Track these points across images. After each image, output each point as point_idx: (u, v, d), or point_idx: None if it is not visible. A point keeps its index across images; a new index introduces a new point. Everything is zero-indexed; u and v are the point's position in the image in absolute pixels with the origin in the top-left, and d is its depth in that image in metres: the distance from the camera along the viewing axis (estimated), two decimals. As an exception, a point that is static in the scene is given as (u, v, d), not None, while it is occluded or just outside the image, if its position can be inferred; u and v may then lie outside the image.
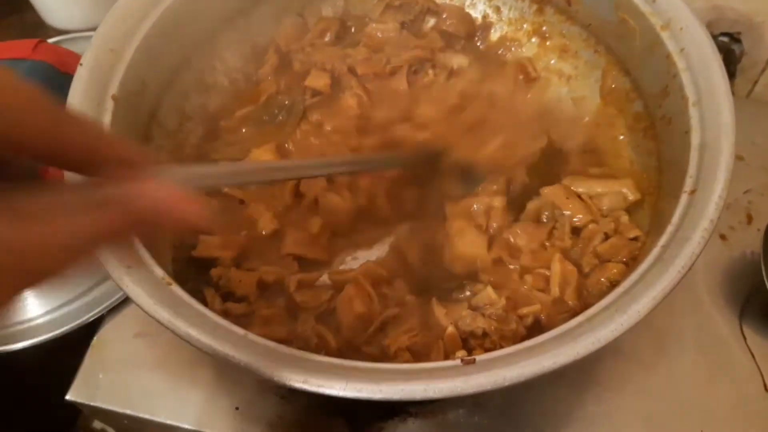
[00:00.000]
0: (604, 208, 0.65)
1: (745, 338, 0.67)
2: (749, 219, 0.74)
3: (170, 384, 0.66)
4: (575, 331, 0.47)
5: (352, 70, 0.72)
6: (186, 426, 0.63)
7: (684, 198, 0.53)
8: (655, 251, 0.51)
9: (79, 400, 0.66)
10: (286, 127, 0.72)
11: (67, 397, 0.66)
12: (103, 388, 0.66)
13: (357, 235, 0.67)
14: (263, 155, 0.68)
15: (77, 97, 0.56)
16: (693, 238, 0.49)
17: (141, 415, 0.64)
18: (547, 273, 0.61)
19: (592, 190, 0.65)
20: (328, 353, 0.56)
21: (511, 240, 0.64)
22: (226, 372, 0.66)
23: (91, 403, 0.65)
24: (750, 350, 0.66)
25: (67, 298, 0.71)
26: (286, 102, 0.73)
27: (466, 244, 0.63)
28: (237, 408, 0.64)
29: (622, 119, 0.70)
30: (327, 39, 0.75)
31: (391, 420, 0.63)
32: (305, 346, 0.57)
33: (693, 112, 0.57)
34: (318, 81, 0.71)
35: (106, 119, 0.57)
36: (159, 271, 0.49)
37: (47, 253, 0.23)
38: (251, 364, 0.44)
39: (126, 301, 0.70)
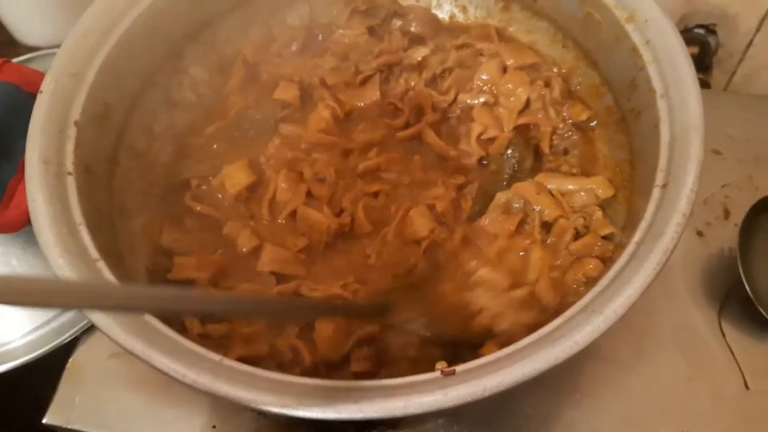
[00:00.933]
0: (577, 204, 0.64)
1: (724, 335, 0.66)
2: (726, 214, 0.74)
3: (147, 404, 0.65)
4: (553, 335, 0.47)
5: (322, 81, 0.71)
6: (163, 446, 0.63)
7: (656, 192, 0.53)
8: (630, 248, 0.51)
9: (56, 423, 0.65)
10: (258, 142, 0.70)
11: (44, 420, 0.66)
12: (80, 410, 0.65)
13: (334, 252, 0.65)
14: (236, 172, 0.66)
15: (38, 126, 0.55)
16: (666, 234, 0.49)
17: (118, 436, 0.64)
18: (523, 254, 0.61)
19: (564, 186, 0.65)
20: (303, 370, 0.55)
21: (481, 228, 0.64)
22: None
23: (68, 426, 0.65)
24: (729, 347, 0.66)
25: (45, 318, 0.70)
26: (257, 116, 0.71)
27: (416, 223, 0.63)
28: (214, 426, 0.63)
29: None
30: (294, 48, 0.74)
31: (369, 433, 0.63)
32: (280, 362, 0.56)
33: (661, 104, 0.57)
34: (287, 93, 0.70)
35: (69, 146, 0.55)
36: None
37: None
38: (229, 393, 0.44)
39: (101, 321, 0.69)
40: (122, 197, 0.61)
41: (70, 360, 0.68)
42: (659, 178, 0.54)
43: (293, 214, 0.65)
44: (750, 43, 0.90)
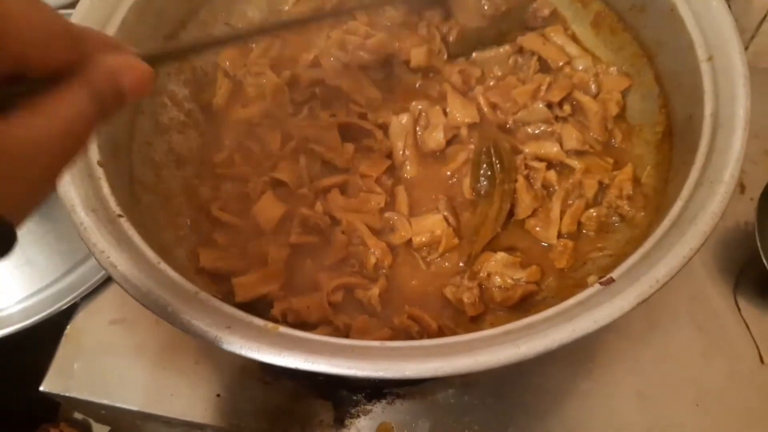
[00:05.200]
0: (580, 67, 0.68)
1: (739, 310, 0.65)
2: (742, 188, 0.72)
3: (148, 372, 0.63)
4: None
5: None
6: (166, 415, 0.61)
7: (705, 67, 0.54)
8: (707, 123, 0.51)
9: (54, 391, 0.63)
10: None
11: (41, 388, 0.64)
12: (78, 378, 0.63)
13: None
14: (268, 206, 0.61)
15: (67, 176, 0.49)
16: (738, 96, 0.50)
17: (118, 404, 0.62)
18: None
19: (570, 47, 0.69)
20: (430, 335, 0.54)
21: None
22: (205, 358, 0.63)
23: (66, 394, 0.63)
24: (745, 322, 0.65)
25: (40, 285, 0.68)
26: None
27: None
28: (218, 395, 0.62)
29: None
30: (273, 54, 0.71)
31: (378, 402, 0.61)
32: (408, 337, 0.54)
33: None
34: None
35: (106, 189, 0.50)
36: (259, 321, 0.44)
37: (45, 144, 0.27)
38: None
39: (101, 287, 0.67)
40: (156, 236, 0.54)
41: (69, 326, 0.66)
42: (701, 52, 0.54)
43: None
44: (763, 19, 0.88)
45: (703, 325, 0.65)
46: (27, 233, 0.69)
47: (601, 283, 0.45)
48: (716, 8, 0.55)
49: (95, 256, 0.45)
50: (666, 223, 0.48)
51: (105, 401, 0.62)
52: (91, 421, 0.98)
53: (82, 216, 0.46)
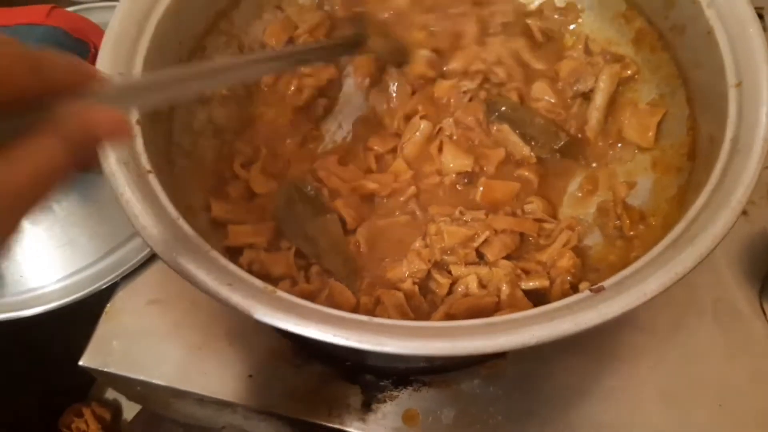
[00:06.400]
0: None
1: (765, 313, 0.66)
2: (770, 194, 0.73)
3: (183, 351, 0.65)
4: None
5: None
6: (199, 392, 0.63)
7: (732, 93, 0.53)
8: (726, 146, 0.51)
9: (92, 366, 0.66)
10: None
11: (81, 363, 0.66)
12: (117, 354, 0.66)
13: None
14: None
15: None
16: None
17: (154, 381, 0.64)
18: None
19: None
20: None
21: None
22: (239, 339, 0.65)
23: (104, 369, 0.65)
24: (770, 326, 0.65)
25: (81, 264, 0.70)
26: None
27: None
28: (250, 375, 0.64)
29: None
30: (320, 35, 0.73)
31: (405, 389, 0.63)
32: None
33: (709, 13, 0.57)
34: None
35: (139, 146, 0.53)
36: (260, 283, 0.46)
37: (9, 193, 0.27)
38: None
39: (140, 268, 0.70)
40: (184, 197, 0.58)
41: (108, 305, 0.69)
42: (731, 77, 0.54)
43: None
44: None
45: (728, 328, 0.65)
46: (70, 215, 0.71)
47: (591, 290, 0.45)
48: (752, 34, 0.54)
49: (121, 205, 0.48)
50: (666, 241, 0.48)
51: (141, 377, 0.64)
52: (122, 401, 1.02)
53: (114, 167, 0.49)
